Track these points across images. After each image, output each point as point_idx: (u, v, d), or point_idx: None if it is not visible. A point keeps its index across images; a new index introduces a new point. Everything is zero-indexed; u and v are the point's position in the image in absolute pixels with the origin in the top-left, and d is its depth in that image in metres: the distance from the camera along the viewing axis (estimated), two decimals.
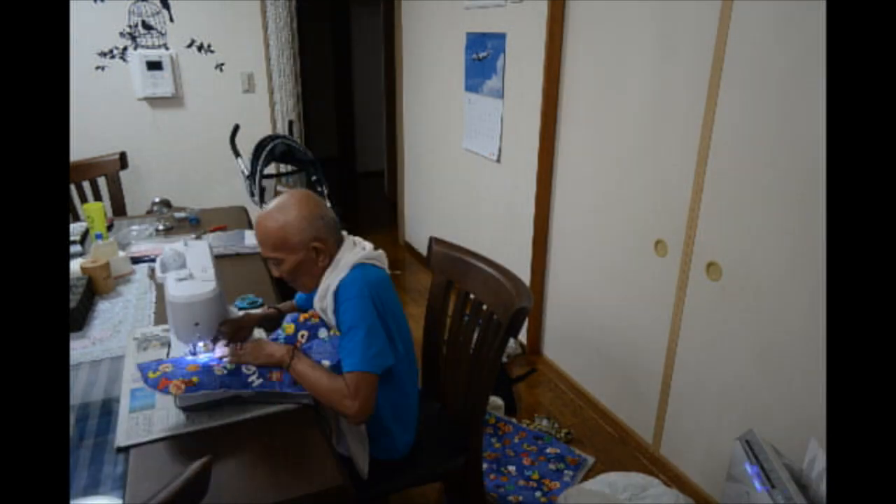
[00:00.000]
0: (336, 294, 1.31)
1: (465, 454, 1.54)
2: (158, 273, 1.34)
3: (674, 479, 2.05)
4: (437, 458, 1.54)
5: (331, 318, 1.36)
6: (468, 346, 1.57)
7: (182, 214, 2.50)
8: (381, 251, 1.42)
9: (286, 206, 1.30)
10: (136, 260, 1.98)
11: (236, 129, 3.29)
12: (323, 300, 1.35)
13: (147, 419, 1.21)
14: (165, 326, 1.48)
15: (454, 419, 1.62)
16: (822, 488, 1.38)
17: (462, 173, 3.28)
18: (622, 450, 2.23)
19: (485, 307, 1.51)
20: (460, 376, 1.59)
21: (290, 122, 3.78)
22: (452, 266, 1.64)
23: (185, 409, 1.23)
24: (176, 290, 1.24)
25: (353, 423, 1.28)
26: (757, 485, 1.45)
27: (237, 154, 3.26)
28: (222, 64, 3.54)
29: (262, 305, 1.67)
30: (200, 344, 1.33)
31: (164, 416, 1.23)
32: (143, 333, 1.54)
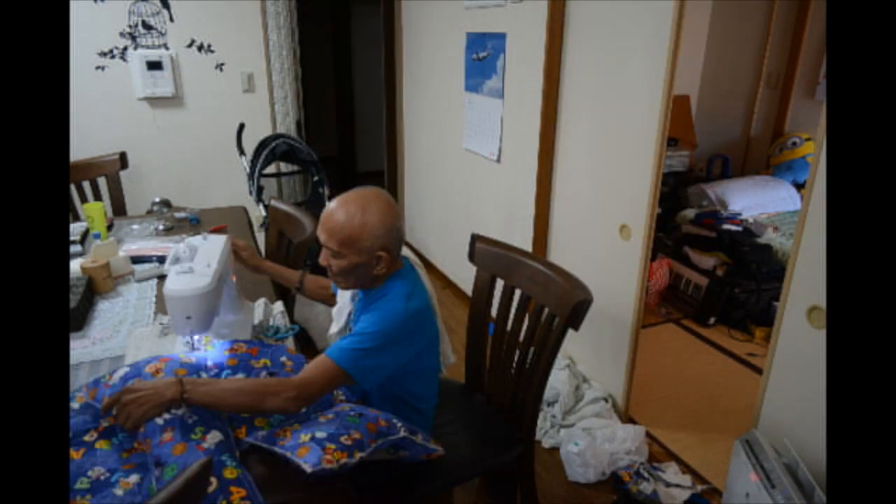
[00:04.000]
0: (371, 299, 1.27)
1: (518, 447, 1.54)
2: (167, 266, 1.36)
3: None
4: (486, 452, 1.55)
5: (343, 319, 1.39)
6: (516, 339, 1.60)
7: (182, 214, 2.50)
8: (422, 270, 1.42)
9: (369, 206, 1.21)
10: (136, 259, 1.98)
11: (241, 127, 3.29)
12: (343, 304, 1.38)
13: None
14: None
15: (502, 412, 1.64)
16: (822, 488, 1.38)
17: (462, 173, 3.28)
18: None
19: (533, 301, 1.53)
20: (508, 369, 1.62)
21: (298, 123, 3.77)
22: (496, 262, 1.67)
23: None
24: (171, 283, 1.25)
25: (291, 408, 1.12)
26: (757, 485, 1.45)
27: (242, 153, 3.26)
28: (222, 64, 3.54)
29: (297, 333, 1.59)
30: (196, 337, 1.33)
31: None
32: (168, 319, 1.55)
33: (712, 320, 3.10)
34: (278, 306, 1.70)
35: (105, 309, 1.68)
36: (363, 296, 1.36)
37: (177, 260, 1.37)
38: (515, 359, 1.59)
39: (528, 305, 1.59)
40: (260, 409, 1.13)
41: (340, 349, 1.19)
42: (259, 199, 3.16)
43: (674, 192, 3.77)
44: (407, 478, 1.40)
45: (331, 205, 1.24)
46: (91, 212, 2.11)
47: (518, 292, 1.62)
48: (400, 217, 1.26)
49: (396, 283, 1.29)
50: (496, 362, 1.67)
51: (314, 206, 3.34)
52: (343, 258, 1.23)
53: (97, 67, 3.27)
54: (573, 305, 1.37)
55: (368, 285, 1.31)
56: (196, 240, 1.45)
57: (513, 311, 1.63)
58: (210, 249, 1.40)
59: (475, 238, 1.73)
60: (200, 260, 1.34)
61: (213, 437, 1.06)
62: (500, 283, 1.68)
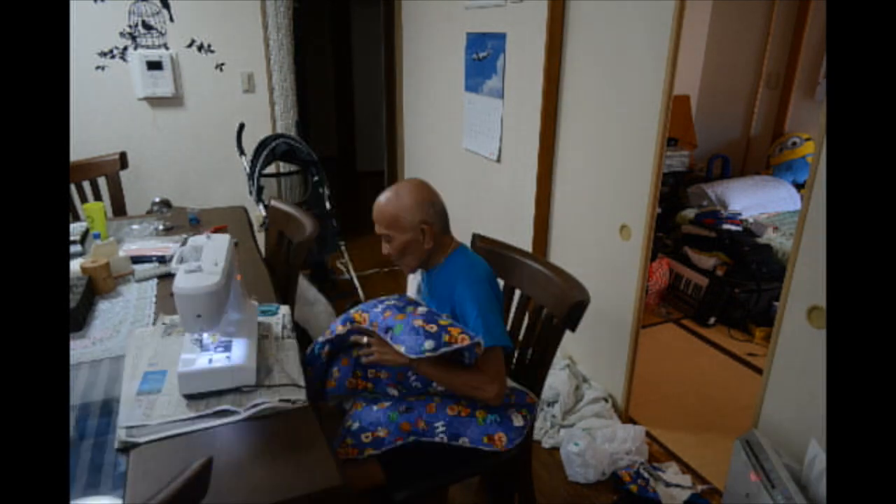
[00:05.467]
0: (456, 273, 1.45)
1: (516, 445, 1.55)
2: (173, 265, 1.36)
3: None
4: (488, 450, 1.55)
5: (419, 295, 1.55)
6: (516, 337, 1.62)
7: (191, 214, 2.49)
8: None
9: (402, 189, 1.45)
10: (136, 259, 1.98)
11: (241, 127, 3.29)
12: (416, 277, 1.58)
13: (150, 404, 1.24)
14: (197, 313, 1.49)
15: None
16: (822, 488, 1.38)
17: (462, 173, 3.28)
18: None
19: (532, 301, 1.55)
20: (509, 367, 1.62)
21: (298, 123, 3.78)
22: (497, 262, 1.68)
23: (187, 396, 1.26)
24: (181, 281, 1.26)
25: (494, 403, 1.38)
26: (757, 485, 1.45)
27: (242, 153, 3.26)
28: (222, 64, 3.54)
29: (276, 312, 1.65)
30: (206, 335, 1.34)
31: (166, 402, 1.25)
32: (171, 319, 1.57)
33: (712, 320, 3.10)
34: (284, 309, 1.70)
35: (105, 309, 1.68)
36: (427, 277, 1.53)
37: (182, 259, 1.37)
38: (515, 358, 1.59)
39: (528, 305, 1.59)
40: (471, 399, 1.42)
41: (488, 333, 1.35)
42: (259, 199, 3.17)
43: (674, 192, 3.77)
44: (408, 471, 1.41)
45: (377, 199, 1.47)
46: (91, 212, 2.11)
47: (517, 292, 1.62)
48: (434, 194, 1.47)
49: (458, 258, 1.48)
50: None
51: (314, 206, 3.34)
52: (394, 239, 1.44)
53: (97, 67, 3.27)
54: (570, 306, 1.38)
55: (428, 263, 1.50)
56: (200, 239, 1.45)
57: (512, 310, 1.63)
58: (215, 248, 1.41)
59: (476, 238, 1.73)
60: (207, 259, 1.35)
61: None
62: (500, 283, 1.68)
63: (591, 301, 1.41)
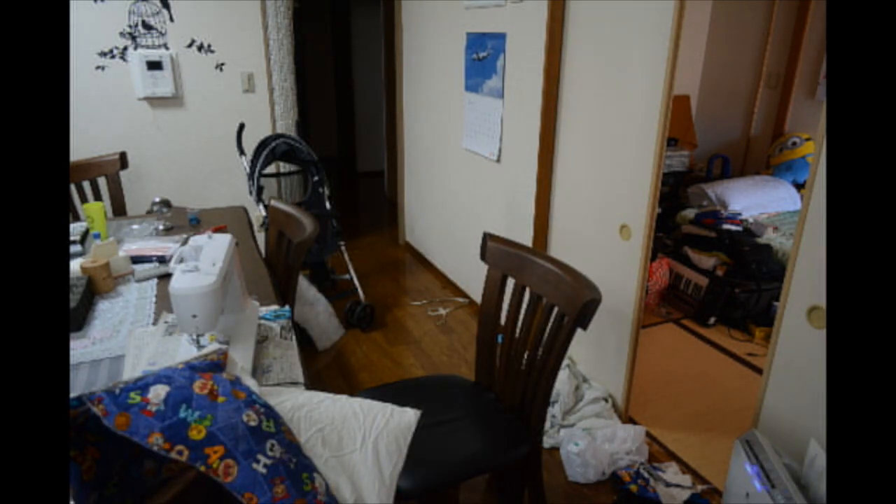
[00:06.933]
0: None
1: (526, 444, 1.56)
2: (172, 265, 1.36)
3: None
4: (497, 449, 1.57)
5: None
6: (526, 337, 1.62)
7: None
8: None
9: None
10: (136, 259, 1.98)
11: (241, 127, 3.30)
12: None
13: None
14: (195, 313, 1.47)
15: (512, 410, 1.65)
16: (822, 488, 1.38)
17: (462, 173, 3.28)
18: None
19: (544, 300, 1.54)
20: (518, 367, 1.62)
21: (298, 123, 3.78)
22: (508, 261, 1.68)
23: None
24: (177, 281, 1.26)
25: None
26: (757, 485, 1.45)
27: (242, 153, 3.26)
28: (222, 64, 3.54)
29: (290, 317, 1.65)
30: (202, 336, 1.33)
31: None
32: (172, 318, 1.56)
33: (712, 320, 3.10)
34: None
35: (105, 309, 1.68)
36: None
37: (182, 259, 1.37)
38: (525, 358, 1.59)
39: (538, 304, 1.59)
40: None
41: None
42: (259, 199, 3.17)
43: (674, 192, 3.77)
44: (417, 465, 1.40)
45: None
46: (91, 212, 2.12)
47: (528, 291, 1.62)
48: None
49: None
50: (506, 361, 1.68)
51: (314, 206, 3.34)
52: None
53: (97, 67, 3.28)
54: (582, 305, 1.38)
55: None
56: (201, 239, 1.45)
57: (523, 309, 1.63)
58: (215, 248, 1.41)
59: (487, 237, 1.73)
60: (206, 259, 1.35)
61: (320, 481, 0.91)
62: (508, 282, 1.68)
63: (601, 300, 1.41)
